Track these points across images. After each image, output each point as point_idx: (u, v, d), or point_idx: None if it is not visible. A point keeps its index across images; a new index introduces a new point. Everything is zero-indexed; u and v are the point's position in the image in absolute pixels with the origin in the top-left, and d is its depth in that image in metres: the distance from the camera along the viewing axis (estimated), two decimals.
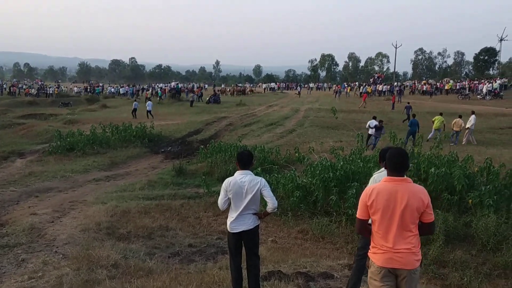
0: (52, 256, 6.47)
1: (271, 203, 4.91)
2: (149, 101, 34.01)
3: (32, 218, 9.03)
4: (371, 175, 9.13)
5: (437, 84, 57.29)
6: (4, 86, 66.77)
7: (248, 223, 4.92)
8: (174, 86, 55.03)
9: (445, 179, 9.10)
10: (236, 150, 15.17)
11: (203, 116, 31.52)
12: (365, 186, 8.74)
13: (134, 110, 32.26)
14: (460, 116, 19.94)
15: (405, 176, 3.50)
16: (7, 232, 8.23)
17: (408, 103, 30.81)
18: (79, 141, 18.89)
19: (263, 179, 5.00)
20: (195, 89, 58.58)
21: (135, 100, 36.82)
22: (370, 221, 3.62)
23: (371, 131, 18.80)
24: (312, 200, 9.50)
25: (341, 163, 9.94)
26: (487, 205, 8.15)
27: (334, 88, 64.10)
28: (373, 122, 19.02)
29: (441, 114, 21.36)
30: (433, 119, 20.83)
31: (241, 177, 4.89)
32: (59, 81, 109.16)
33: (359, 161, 10.27)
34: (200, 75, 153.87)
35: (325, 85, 68.51)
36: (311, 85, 74.99)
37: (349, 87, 59.61)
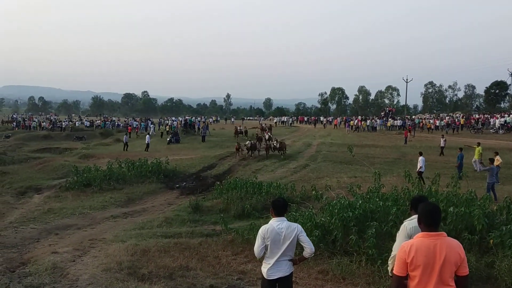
0: None
1: (309, 248, 4.96)
2: (148, 135, 37.25)
3: (53, 257, 9.13)
4: (389, 214, 9.22)
5: (451, 119, 56.34)
6: (19, 119, 68.06)
7: (284, 270, 4.96)
8: (187, 120, 55.47)
9: (464, 219, 9.06)
10: (252, 186, 15.31)
11: (216, 150, 31.78)
12: (384, 226, 8.84)
13: (126, 144, 35.39)
14: (496, 153, 19.81)
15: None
16: (30, 271, 8.30)
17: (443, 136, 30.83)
18: (95, 176, 19.15)
19: (299, 225, 5.08)
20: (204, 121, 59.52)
21: (126, 134, 39.93)
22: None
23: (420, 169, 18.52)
24: (331, 239, 9.48)
25: (360, 202, 9.94)
26: (508, 245, 8.09)
27: (323, 121, 64.79)
28: (422, 160, 18.61)
29: (478, 144, 21.75)
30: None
31: (278, 224, 4.95)
32: (78, 115, 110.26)
33: (377, 199, 10.27)
34: (211, 108, 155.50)
35: (339, 118, 67.03)
36: (338, 119, 69.00)
37: (364, 122, 57.06)
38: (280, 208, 5.07)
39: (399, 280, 3.63)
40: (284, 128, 60.45)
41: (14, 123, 60.52)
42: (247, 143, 28.86)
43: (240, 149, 28.42)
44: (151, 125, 54.38)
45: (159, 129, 51.89)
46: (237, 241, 10.41)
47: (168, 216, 13.73)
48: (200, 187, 19.29)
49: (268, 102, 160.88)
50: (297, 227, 5.01)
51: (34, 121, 64.55)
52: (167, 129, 47.59)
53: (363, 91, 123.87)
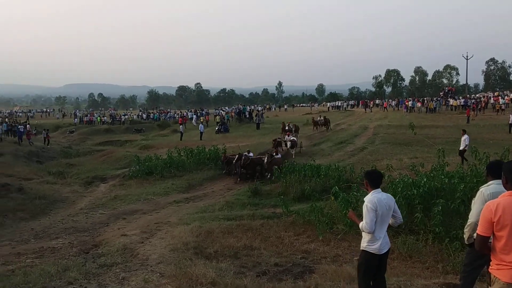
0: (150, 274, 6.80)
1: (400, 218, 4.97)
2: (201, 124, 38.35)
3: (123, 239, 9.58)
4: (456, 192, 8.89)
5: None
6: (79, 114, 71.22)
7: (388, 242, 4.90)
8: (241, 108, 55.87)
9: None
10: (310, 169, 15.25)
11: (271, 137, 31.78)
12: (451, 203, 8.54)
13: (181, 134, 37.28)
14: None
15: None
16: (102, 252, 8.75)
17: None
18: (157, 165, 19.78)
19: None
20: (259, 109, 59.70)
21: (181, 125, 40.86)
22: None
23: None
24: None
25: (424, 180, 9.64)
26: None
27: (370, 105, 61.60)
28: (467, 138, 18.05)
29: None
30: None
31: (380, 195, 4.80)
32: (139, 108, 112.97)
33: (442, 177, 9.92)
34: (264, 97, 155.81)
35: (393, 102, 63.24)
36: (393, 102, 63.41)
37: (431, 102, 52.52)
38: (377, 178, 4.89)
39: (484, 240, 3.47)
40: (338, 112, 59.64)
41: (76, 119, 63.09)
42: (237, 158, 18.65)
43: (232, 164, 18.96)
44: (194, 115, 55.54)
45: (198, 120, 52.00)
46: (298, 223, 10.45)
47: (228, 200, 14.00)
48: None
49: (320, 88, 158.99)
50: (391, 197, 4.93)
51: (95, 116, 67.34)
52: (202, 121, 48.01)
53: (419, 71, 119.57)
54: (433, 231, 8.34)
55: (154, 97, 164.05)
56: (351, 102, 78.49)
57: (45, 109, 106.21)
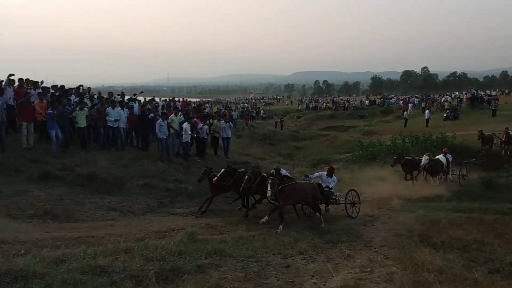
0: (375, 255, 7.03)
1: None
2: (427, 110, 36.36)
3: (348, 220, 10.12)
4: None
5: None
6: (305, 101, 75.42)
7: None
8: (474, 93, 50.97)
9: None
10: None
11: (509, 125, 28.33)
12: None
13: (405, 120, 36.00)
14: None
15: None
16: (328, 229, 9.30)
17: None
18: (380, 151, 19.76)
19: None
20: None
21: (405, 111, 39.73)
22: None
23: None
24: None
25: None
26: None
27: None
28: None
29: None
30: None
31: None
32: (365, 95, 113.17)
33: None
34: (502, 80, 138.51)
35: None
36: None
37: None
38: None
39: None
40: None
41: (300, 106, 66.93)
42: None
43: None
44: (410, 104, 52.22)
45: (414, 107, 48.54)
46: None
47: (457, 191, 13.25)
48: (492, 163, 17.70)
49: None
50: None
51: (320, 102, 70.31)
52: (424, 106, 44.35)
53: None
54: None
55: (378, 83, 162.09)
56: None
57: (275, 96, 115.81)
